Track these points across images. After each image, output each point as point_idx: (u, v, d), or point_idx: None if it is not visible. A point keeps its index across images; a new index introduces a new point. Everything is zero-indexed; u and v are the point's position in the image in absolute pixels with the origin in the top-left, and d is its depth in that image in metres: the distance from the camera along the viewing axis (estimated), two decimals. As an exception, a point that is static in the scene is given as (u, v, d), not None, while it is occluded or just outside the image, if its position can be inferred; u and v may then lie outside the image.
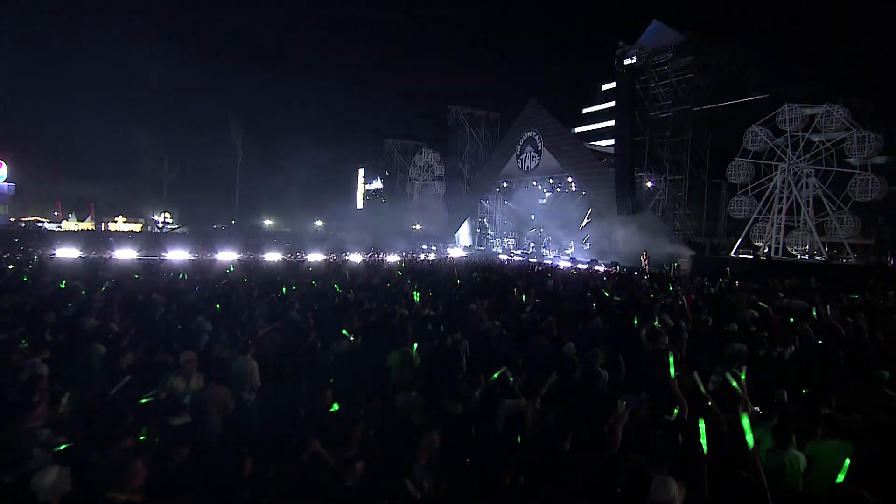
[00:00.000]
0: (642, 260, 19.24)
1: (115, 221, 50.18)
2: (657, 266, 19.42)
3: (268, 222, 73.16)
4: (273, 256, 22.62)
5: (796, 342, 5.99)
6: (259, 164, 56.17)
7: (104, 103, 58.40)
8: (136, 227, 52.70)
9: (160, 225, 49.34)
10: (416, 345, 5.45)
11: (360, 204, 66.35)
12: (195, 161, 48.45)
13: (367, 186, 63.34)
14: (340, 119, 69.89)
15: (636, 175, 23.34)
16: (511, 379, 4.20)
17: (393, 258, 26.06)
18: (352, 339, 5.75)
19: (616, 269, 18.17)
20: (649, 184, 24.28)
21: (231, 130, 40.25)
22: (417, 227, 45.65)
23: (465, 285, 11.02)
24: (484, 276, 12.68)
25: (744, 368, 4.10)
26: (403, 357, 5.20)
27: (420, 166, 46.66)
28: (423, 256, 26.99)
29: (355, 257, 25.01)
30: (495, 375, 4.13)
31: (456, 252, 30.19)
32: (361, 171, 65.35)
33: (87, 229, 44.19)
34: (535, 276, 13.19)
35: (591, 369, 4.80)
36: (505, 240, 34.81)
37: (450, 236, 38.46)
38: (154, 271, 13.06)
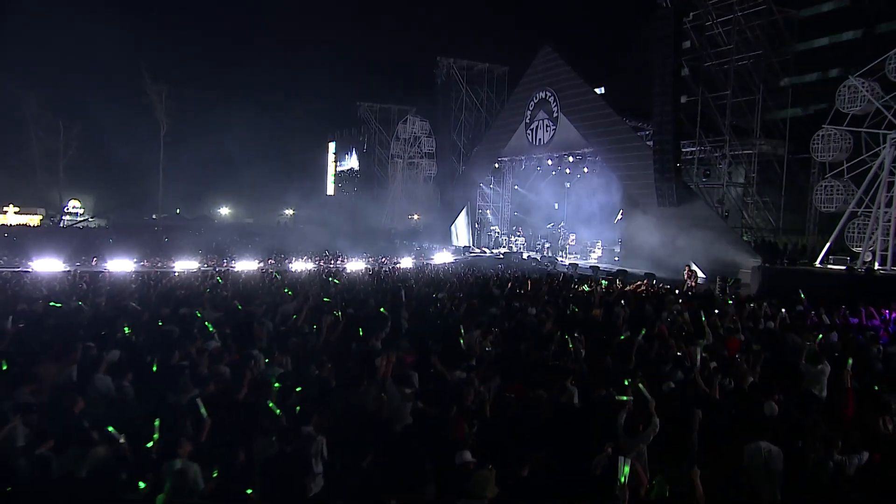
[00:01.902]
0: (685, 276, 18.10)
1: (4, 213, 50.01)
2: (712, 279, 18.39)
3: (224, 212, 73.63)
4: (187, 265, 21.92)
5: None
6: (201, 137, 55.73)
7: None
8: (34, 220, 52.63)
9: (62, 216, 49.02)
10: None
11: (330, 189, 66.06)
12: (110, 133, 47.82)
13: (339, 167, 62.85)
14: (302, 76, 68.90)
15: (683, 151, 22.33)
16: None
17: (356, 266, 25.41)
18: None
19: (646, 285, 17.06)
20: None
21: (148, 92, 39.50)
22: (415, 217, 45.08)
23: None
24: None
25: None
26: None
27: (404, 139, 46.22)
28: (400, 264, 26.25)
29: (301, 265, 24.34)
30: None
31: (443, 257, 29.36)
32: (332, 147, 64.84)
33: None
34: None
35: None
36: (513, 238, 33.89)
37: (440, 233, 37.62)
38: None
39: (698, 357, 7.28)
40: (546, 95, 29.48)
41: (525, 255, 30.05)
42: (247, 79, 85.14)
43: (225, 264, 23.82)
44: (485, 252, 32.88)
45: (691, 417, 5.99)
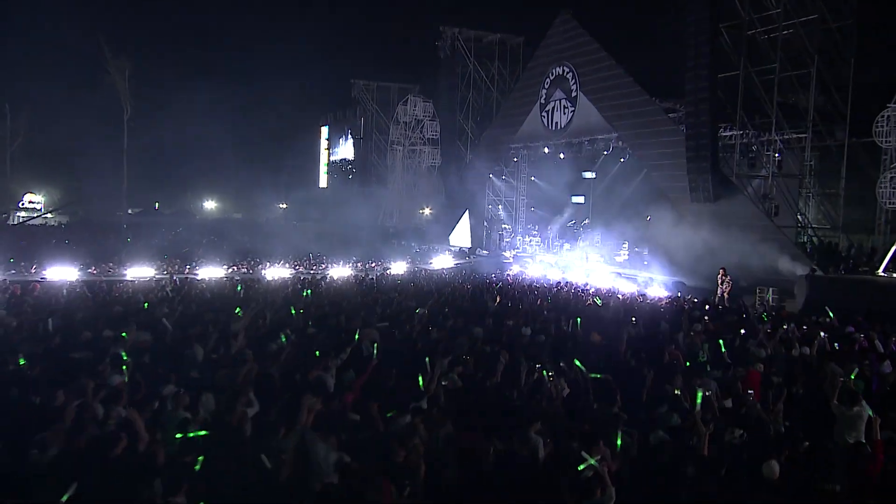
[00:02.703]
0: (719, 282, 17.58)
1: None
2: (750, 290, 17.87)
3: (210, 206, 74.48)
4: (142, 273, 21.95)
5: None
6: (176, 121, 56.19)
7: None
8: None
9: (15, 212, 49.70)
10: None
11: (323, 181, 66.34)
12: (69, 117, 48.35)
13: (333, 155, 63.00)
14: (289, 48, 68.18)
15: (722, 136, 21.99)
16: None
17: (341, 272, 25.34)
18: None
19: (678, 299, 16.60)
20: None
21: (108, 69, 39.73)
22: (427, 211, 45.04)
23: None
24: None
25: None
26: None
27: (405, 122, 46.21)
28: (391, 269, 26.18)
29: (277, 271, 24.31)
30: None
31: (443, 261, 29.18)
32: (324, 132, 64.99)
33: None
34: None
35: None
36: (528, 238, 33.52)
37: (444, 232, 37.45)
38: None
39: (700, 396, 6.81)
40: (563, 71, 29.18)
41: (538, 260, 29.59)
42: (226, 52, 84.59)
43: (188, 271, 23.86)
44: (499, 255, 32.49)
45: (680, 478, 5.59)
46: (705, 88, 20.73)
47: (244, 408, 6.61)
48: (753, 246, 19.15)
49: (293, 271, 25.33)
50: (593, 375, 8.01)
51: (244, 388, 7.44)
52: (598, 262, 27.21)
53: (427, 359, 7.84)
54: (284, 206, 68.09)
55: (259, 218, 64.61)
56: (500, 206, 37.37)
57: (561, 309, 14.65)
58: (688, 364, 9.39)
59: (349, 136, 57.57)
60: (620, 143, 26.53)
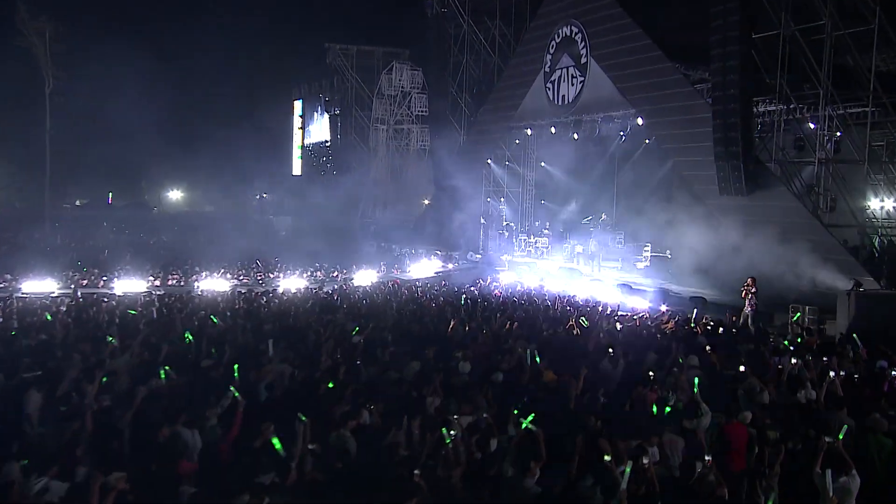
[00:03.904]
0: (743, 296, 17.27)
1: None
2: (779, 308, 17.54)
3: (175, 197, 75.25)
4: (39, 287, 21.93)
5: None
6: (122, 96, 56.52)
7: None
8: None
9: None
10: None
11: (296, 167, 66.77)
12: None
13: (307, 137, 63.32)
14: (256, 7, 67.47)
15: (758, 112, 21.92)
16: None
17: (295, 283, 25.22)
18: None
19: (687, 320, 16.27)
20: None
21: (24, 31, 39.92)
22: (425, 202, 45.16)
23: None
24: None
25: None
26: None
27: (390, 96, 46.21)
28: (354, 280, 26.13)
29: (215, 283, 24.19)
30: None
31: (425, 267, 29.04)
32: (298, 108, 65.28)
33: None
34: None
35: None
36: (533, 238, 33.25)
37: (434, 230, 37.33)
38: None
39: (628, 469, 6.43)
40: (571, 32, 29.17)
41: (538, 266, 29.40)
42: (175, 8, 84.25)
43: (102, 284, 23.88)
44: (493, 259, 32.31)
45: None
46: (735, 53, 20.41)
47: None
48: (794, 251, 18.88)
49: (236, 282, 25.27)
50: (525, 426, 7.67)
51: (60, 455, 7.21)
52: (613, 268, 26.94)
53: (300, 415, 7.51)
54: (266, 196, 68.55)
55: (236, 211, 65.56)
56: (502, 200, 37.34)
57: (535, 331, 14.41)
58: (654, 411, 9.09)
59: (324, 111, 57.68)
60: (640, 120, 26.37)
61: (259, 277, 26.77)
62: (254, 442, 7.64)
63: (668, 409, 9.27)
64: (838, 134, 22.70)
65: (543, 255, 32.21)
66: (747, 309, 17.21)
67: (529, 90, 31.92)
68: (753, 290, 17.08)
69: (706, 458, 7.13)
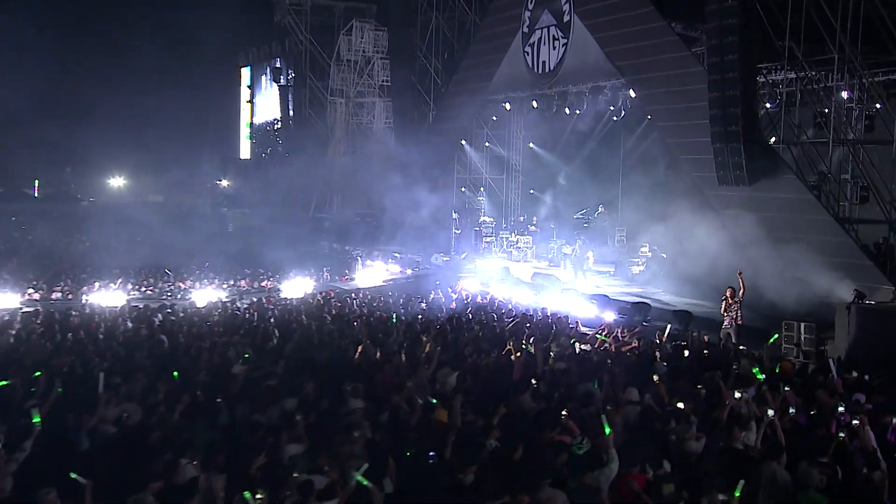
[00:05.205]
0: (722, 308, 17.70)
1: None
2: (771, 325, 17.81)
3: (117, 185, 76.08)
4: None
5: None
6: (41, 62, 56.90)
7: None
8: None
9: None
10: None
11: (245, 150, 67.42)
12: None
13: (254, 116, 63.96)
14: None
15: (762, 81, 22.19)
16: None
17: (208, 295, 25.36)
18: None
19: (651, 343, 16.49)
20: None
21: None
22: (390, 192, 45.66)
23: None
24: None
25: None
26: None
27: (349, 62, 46.68)
28: (283, 291, 26.39)
29: (104, 296, 24.30)
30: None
31: (376, 273, 29.27)
32: (245, 76, 65.87)
33: None
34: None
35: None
36: (515, 236, 33.60)
37: (396, 226, 37.67)
38: None
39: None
40: (552, -14, 29.71)
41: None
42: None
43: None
44: (458, 262, 32.56)
45: None
46: (735, 8, 20.59)
47: None
48: (802, 253, 19.16)
49: (135, 294, 25.42)
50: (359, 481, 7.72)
51: None
52: (605, 273, 27.66)
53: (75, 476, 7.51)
54: (224, 183, 68.90)
55: (186, 202, 66.73)
56: (481, 190, 37.91)
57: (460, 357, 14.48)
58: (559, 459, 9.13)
59: (271, 82, 58.17)
60: (632, 92, 26.73)
61: (168, 287, 26.90)
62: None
63: (577, 450, 9.30)
64: (877, 106, 22.68)
65: (526, 258, 32.60)
66: (727, 324, 17.39)
67: (506, 55, 32.49)
68: (735, 301, 17.23)
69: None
